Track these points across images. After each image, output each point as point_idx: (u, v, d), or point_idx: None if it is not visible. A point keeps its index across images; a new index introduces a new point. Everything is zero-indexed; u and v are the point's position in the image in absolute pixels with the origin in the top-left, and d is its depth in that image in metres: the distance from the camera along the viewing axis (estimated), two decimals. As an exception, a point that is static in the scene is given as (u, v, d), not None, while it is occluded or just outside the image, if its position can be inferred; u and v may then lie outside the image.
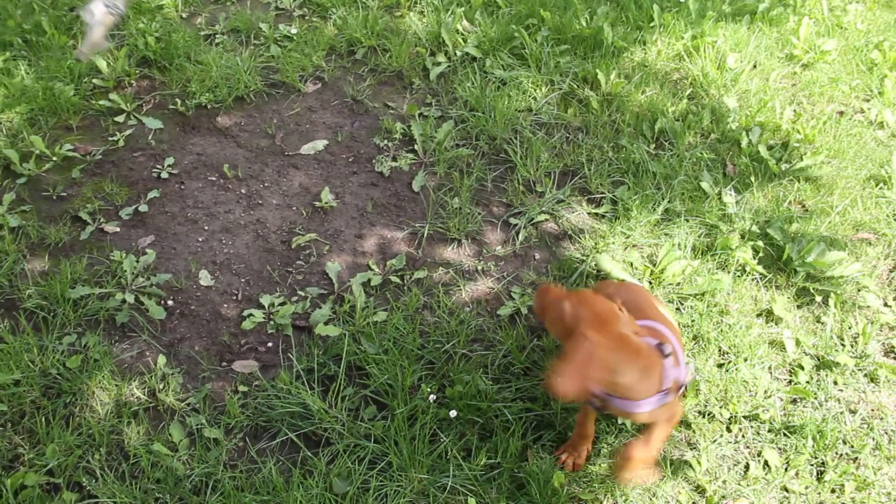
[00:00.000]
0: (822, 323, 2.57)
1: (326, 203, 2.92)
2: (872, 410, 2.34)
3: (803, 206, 2.98)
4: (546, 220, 2.90)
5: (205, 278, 2.65)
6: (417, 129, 3.18)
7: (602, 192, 2.99)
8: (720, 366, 2.41)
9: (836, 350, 2.47)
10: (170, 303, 2.57)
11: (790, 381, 2.41)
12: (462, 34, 3.69)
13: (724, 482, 2.14)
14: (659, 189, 2.98)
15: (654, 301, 2.13)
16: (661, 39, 3.72)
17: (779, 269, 2.73)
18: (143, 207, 2.87)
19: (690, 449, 2.21)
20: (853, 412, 2.33)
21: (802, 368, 2.41)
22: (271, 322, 2.51)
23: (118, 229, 2.80)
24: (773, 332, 2.53)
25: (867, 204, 2.98)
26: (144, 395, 2.29)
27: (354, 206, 2.94)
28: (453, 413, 2.21)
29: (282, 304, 2.57)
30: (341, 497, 2.05)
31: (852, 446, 2.23)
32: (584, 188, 3.02)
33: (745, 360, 2.41)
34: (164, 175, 3.00)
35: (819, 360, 2.46)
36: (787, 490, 2.13)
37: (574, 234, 2.84)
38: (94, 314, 2.49)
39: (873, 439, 2.25)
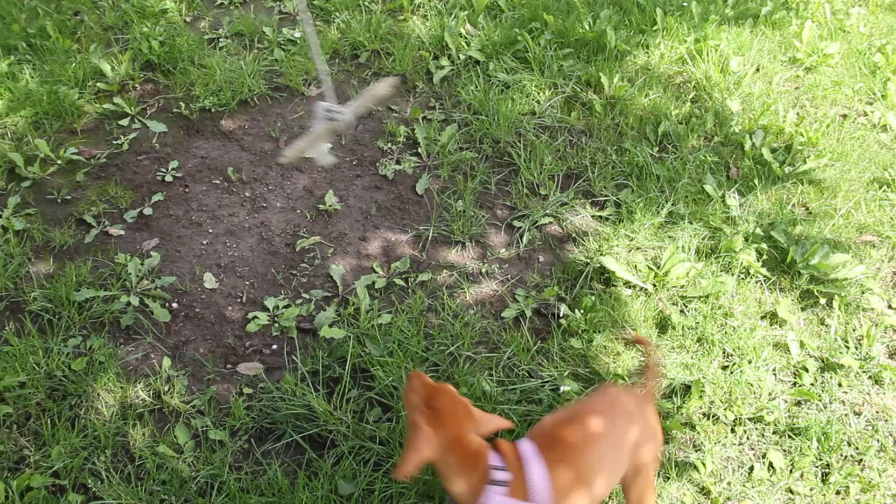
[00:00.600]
0: (827, 325, 2.57)
1: (330, 206, 2.92)
2: (877, 412, 2.34)
3: (807, 209, 2.99)
4: (550, 222, 2.90)
5: (209, 281, 2.66)
6: (421, 132, 3.19)
7: (606, 195, 2.99)
8: (724, 368, 2.41)
9: (841, 352, 2.47)
10: (174, 305, 2.57)
11: (794, 384, 2.41)
12: (465, 38, 3.70)
13: (728, 484, 2.14)
14: (662, 192, 2.98)
15: (629, 418, 1.74)
16: (664, 43, 3.73)
17: (783, 271, 2.73)
18: (148, 210, 2.88)
19: (695, 451, 2.21)
20: (858, 414, 2.32)
21: (807, 370, 2.41)
22: (276, 324, 2.52)
23: (123, 232, 2.81)
24: (777, 334, 2.53)
25: (871, 206, 2.98)
26: (150, 397, 2.29)
27: (358, 209, 2.94)
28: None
29: (286, 306, 2.58)
30: (346, 499, 2.05)
31: (857, 448, 2.23)
32: (588, 191, 3.03)
33: (750, 362, 2.41)
34: (169, 178, 3.01)
35: (823, 362, 2.46)
36: (791, 492, 2.13)
37: (578, 236, 2.85)
38: (99, 317, 2.49)
39: (878, 441, 2.25)
